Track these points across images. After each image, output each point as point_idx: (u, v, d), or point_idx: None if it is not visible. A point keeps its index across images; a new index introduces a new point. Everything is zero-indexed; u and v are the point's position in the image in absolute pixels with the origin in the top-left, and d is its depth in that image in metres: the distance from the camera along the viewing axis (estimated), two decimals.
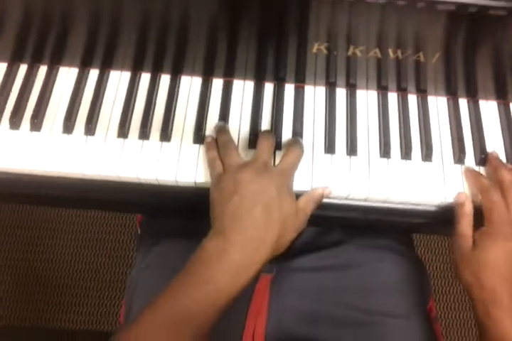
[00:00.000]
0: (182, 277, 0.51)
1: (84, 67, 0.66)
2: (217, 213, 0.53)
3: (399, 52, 0.60)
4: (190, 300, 0.49)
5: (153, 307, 0.50)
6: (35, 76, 0.66)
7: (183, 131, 0.63)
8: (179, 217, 0.75)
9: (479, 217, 0.58)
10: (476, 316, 0.56)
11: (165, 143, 0.62)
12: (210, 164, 0.59)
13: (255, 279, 0.59)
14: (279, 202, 0.53)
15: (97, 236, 1.37)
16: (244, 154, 0.61)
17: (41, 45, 0.64)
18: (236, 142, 0.62)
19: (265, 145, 0.58)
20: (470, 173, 0.62)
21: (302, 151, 0.59)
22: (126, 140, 0.62)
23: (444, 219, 0.62)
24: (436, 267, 1.39)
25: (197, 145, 0.62)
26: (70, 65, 0.66)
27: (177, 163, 0.61)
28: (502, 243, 0.55)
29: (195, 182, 0.60)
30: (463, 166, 0.63)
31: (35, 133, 0.62)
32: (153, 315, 0.49)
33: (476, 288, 0.55)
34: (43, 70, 0.66)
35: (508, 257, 0.55)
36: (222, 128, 0.62)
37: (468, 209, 0.59)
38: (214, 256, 0.51)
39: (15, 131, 0.62)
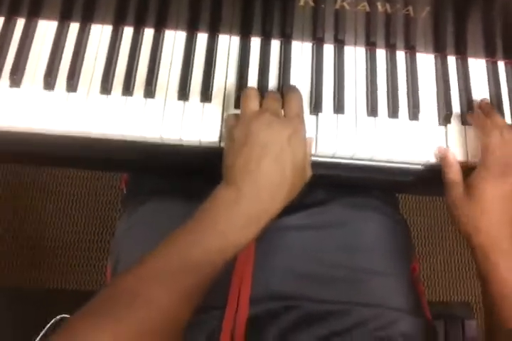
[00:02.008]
0: (190, 225, 0.50)
1: (64, 20, 0.64)
2: (229, 163, 0.53)
3: (388, 6, 0.58)
4: (198, 248, 0.49)
5: (156, 253, 0.49)
6: (13, 30, 0.63)
7: (167, 87, 0.61)
8: (165, 176, 0.74)
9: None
10: (476, 263, 0.56)
11: (149, 100, 0.61)
12: (226, 119, 0.59)
13: None
14: (291, 152, 0.52)
15: (82, 197, 1.37)
16: (230, 112, 0.60)
17: None
18: (222, 99, 0.61)
19: (271, 96, 0.57)
20: (473, 115, 0.62)
21: (300, 93, 0.58)
22: (109, 96, 0.61)
23: (429, 178, 0.62)
24: (422, 229, 1.41)
25: (181, 102, 0.61)
26: (49, 18, 0.64)
27: (162, 120, 0.60)
28: (495, 184, 0.55)
29: (180, 139, 0.59)
30: (449, 125, 0.63)
31: (15, 89, 0.60)
32: (156, 261, 0.48)
33: (474, 234, 0.55)
34: (20, 24, 0.64)
35: (502, 200, 0.55)
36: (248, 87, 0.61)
37: (451, 159, 0.59)
38: (225, 206, 0.50)
39: None
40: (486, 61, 0.68)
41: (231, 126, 0.56)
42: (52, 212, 1.36)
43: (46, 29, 0.64)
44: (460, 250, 1.41)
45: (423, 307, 0.69)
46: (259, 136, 0.52)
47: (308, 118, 0.61)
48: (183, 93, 0.61)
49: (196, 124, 0.60)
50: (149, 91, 0.60)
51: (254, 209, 0.50)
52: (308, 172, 0.56)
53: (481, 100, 0.65)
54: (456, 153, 0.61)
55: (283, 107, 0.57)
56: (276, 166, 0.51)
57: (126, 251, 0.69)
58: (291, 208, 0.70)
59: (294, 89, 0.59)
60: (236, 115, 0.57)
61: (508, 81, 0.67)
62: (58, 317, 0.90)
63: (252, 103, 0.56)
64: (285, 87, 0.61)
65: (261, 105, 0.56)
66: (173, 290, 0.47)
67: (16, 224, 1.35)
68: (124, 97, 0.61)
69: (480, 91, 0.66)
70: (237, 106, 0.61)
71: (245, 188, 0.51)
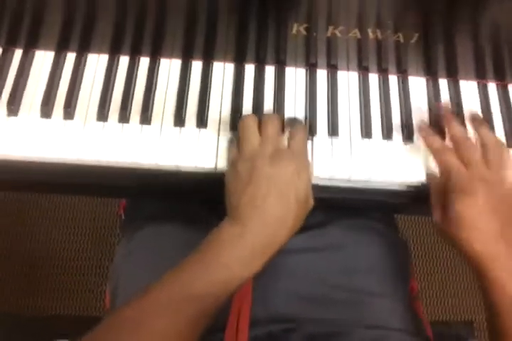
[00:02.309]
0: (194, 258, 0.51)
1: (60, 50, 0.65)
2: (234, 201, 0.53)
3: (378, 33, 0.60)
4: (202, 280, 0.49)
5: (160, 284, 0.49)
6: (11, 60, 0.64)
7: (163, 113, 0.62)
8: (163, 201, 0.74)
9: None
10: (480, 284, 0.54)
11: (145, 126, 0.61)
12: (227, 148, 0.59)
13: None
14: (296, 186, 0.53)
15: (81, 222, 1.37)
16: (226, 136, 0.61)
17: (16, 27, 0.62)
18: (217, 124, 0.62)
19: (270, 127, 0.57)
20: (423, 134, 0.62)
21: (306, 128, 0.59)
22: (105, 123, 0.61)
23: (425, 199, 0.63)
24: (421, 248, 1.41)
25: (177, 128, 0.61)
26: (46, 48, 0.65)
27: (158, 146, 0.60)
28: (471, 203, 0.53)
29: (176, 166, 0.60)
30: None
31: (12, 118, 0.61)
32: (160, 292, 0.49)
33: (469, 255, 0.54)
34: (18, 54, 0.65)
35: (483, 214, 0.53)
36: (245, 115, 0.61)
37: (433, 182, 0.59)
38: (230, 240, 0.51)
39: None
40: (477, 83, 0.69)
41: (234, 159, 0.56)
42: (51, 237, 1.35)
43: (43, 59, 0.65)
44: (460, 268, 1.41)
45: (424, 326, 0.69)
46: (263, 171, 0.52)
47: None
48: (179, 119, 0.61)
49: (192, 150, 0.60)
50: (145, 117, 0.61)
51: (258, 244, 0.51)
52: (311, 202, 0.56)
53: (438, 105, 0.64)
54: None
55: (283, 131, 0.57)
56: (281, 201, 0.52)
57: (126, 277, 0.69)
58: None
59: (300, 122, 0.60)
60: (237, 145, 0.57)
61: (499, 102, 0.68)
62: None
63: (252, 135, 0.56)
64: (290, 118, 0.61)
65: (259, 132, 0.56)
66: (176, 320, 0.47)
67: (14, 250, 1.34)
68: (121, 124, 0.61)
69: (472, 112, 0.66)
70: (232, 129, 0.61)
71: (250, 223, 0.51)
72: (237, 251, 0.50)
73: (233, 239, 0.51)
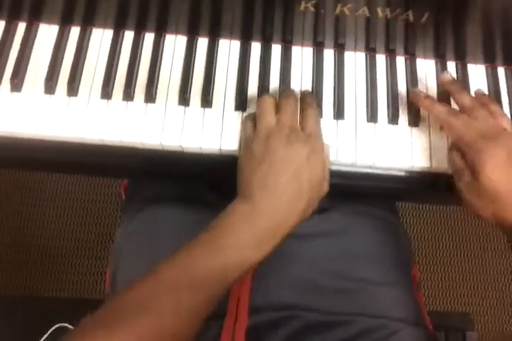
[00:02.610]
0: (203, 240, 0.50)
1: (65, 24, 0.64)
2: (246, 179, 0.52)
3: (387, 11, 0.59)
4: (212, 262, 0.49)
5: (170, 264, 0.49)
6: (14, 33, 0.63)
7: (167, 92, 0.62)
8: (165, 183, 0.74)
9: None
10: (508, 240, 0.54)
11: (150, 105, 0.61)
12: (242, 124, 0.58)
13: None
14: (309, 170, 0.52)
15: (82, 204, 1.36)
16: (231, 117, 0.60)
17: None
18: (222, 104, 0.61)
19: (289, 107, 0.56)
20: (421, 100, 0.60)
21: (317, 110, 0.58)
22: (110, 101, 0.61)
23: (429, 186, 0.62)
24: (421, 238, 1.41)
25: (182, 107, 0.61)
26: (50, 21, 0.64)
27: (162, 126, 0.60)
28: (495, 156, 0.53)
29: (181, 146, 0.59)
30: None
31: (15, 93, 0.60)
32: (170, 272, 0.48)
33: (502, 210, 0.53)
34: (21, 27, 0.64)
35: (508, 165, 0.53)
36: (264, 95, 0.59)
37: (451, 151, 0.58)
38: (241, 221, 0.50)
39: None
40: (486, 67, 0.68)
41: (248, 137, 0.55)
42: (51, 218, 1.35)
43: (47, 33, 0.64)
44: (460, 260, 1.41)
45: (424, 317, 0.69)
46: (277, 153, 0.52)
47: None
48: (184, 98, 0.61)
49: (197, 130, 0.60)
50: (150, 95, 0.61)
51: (269, 225, 0.50)
52: (326, 187, 0.55)
53: (442, 75, 0.64)
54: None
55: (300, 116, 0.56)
56: (293, 184, 0.51)
57: (126, 258, 0.69)
58: None
59: (311, 102, 0.59)
60: (253, 122, 0.57)
61: (508, 86, 0.67)
62: (57, 325, 0.90)
63: (269, 115, 0.55)
64: (302, 96, 0.60)
65: (277, 111, 0.56)
66: (184, 302, 0.47)
67: (13, 231, 1.34)
68: (125, 102, 0.61)
69: None
70: (237, 109, 0.61)
71: (261, 204, 0.51)
72: (248, 232, 0.50)
73: (244, 220, 0.50)
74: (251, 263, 0.50)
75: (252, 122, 0.57)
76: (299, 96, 0.60)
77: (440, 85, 0.64)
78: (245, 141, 0.56)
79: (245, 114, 0.61)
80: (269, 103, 0.56)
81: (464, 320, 0.97)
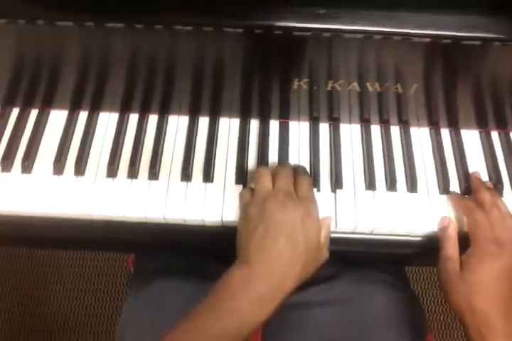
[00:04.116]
0: (205, 306, 0.51)
1: (73, 109, 0.68)
2: (243, 243, 0.54)
3: (377, 85, 0.62)
4: (214, 329, 0.49)
5: (174, 332, 0.50)
6: (27, 119, 0.68)
7: (170, 169, 0.64)
8: (170, 256, 0.74)
9: (466, 243, 0.58)
10: None
11: (153, 182, 0.63)
12: (241, 192, 0.61)
13: None
14: (304, 231, 0.53)
15: (91, 278, 1.35)
16: (231, 190, 0.62)
17: (32, 90, 0.66)
18: (223, 179, 0.63)
19: (284, 174, 0.58)
20: (454, 196, 0.63)
21: (310, 176, 0.60)
22: (115, 179, 0.63)
23: (433, 249, 0.62)
24: (434, 300, 1.36)
25: (184, 183, 0.63)
26: (60, 108, 0.68)
27: (165, 201, 0.61)
28: (489, 263, 0.55)
29: (183, 220, 0.61)
30: (447, 195, 0.64)
31: (26, 175, 0.63)
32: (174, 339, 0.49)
33: (468, 312, 0.54)
34: (34, 114, 0.68)
35: (497, 277, 0.54)
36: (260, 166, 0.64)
37: (452, 231, 0.59)
38: (239, 286, 0.51)
39: (6, 174, 0.63)
40: (480, 132, 0.70)
41: (246, 202, 0.58)
42: (60, 293, 1.34)
43: (57, 118, 0.68)
44: None
45: None
46: (273, 215, 0.53)
47: None
48: (186, 174, 0.63)
49: (199, 204, 0.61)
50: (153, 173, 0.63)
51: (267, 288, 0.51)
52: (325, 253, 0.56)
53: (471, 174, 0.65)
54: (457, 223, 0.61)
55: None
56: (289, 245, 0.52)
57: (132, 333, 0.68)
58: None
59: (304, 170, 0.61)
60: (250, 190, 0.59)
61: (503, 149, 0.69)
62: None
63: (266, 181, 0.58)
64: (295, 168, 0.63)
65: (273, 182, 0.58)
66: None
67: (24, 307, 1.33)
68: (130, 180, 0.63)
69: (476, 160, 0.67)
70: (238, 183, 0.63)
71: (258, 267, 0.51)
72: (247, 296, 0.50)
73: (242, 284, 0.51)
74: (252, 325, 0.50)
75: (250, 190, 0.59)
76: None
77: (470, 181, 0.65)
78: (243, 207, 0.58)
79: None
80: (265, 171, 0.59)
81: None
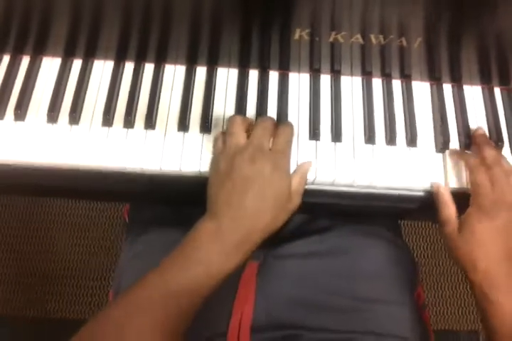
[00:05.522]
0: (173, 257, 0.52)
1: (67, 57, 0.66)
2: (212, 195, 0.54)
3: (381, 38, 0.60)
4: (182, 278, 0.50)
5: (141, 283, 0.51)
6: (18, 66, 0.66)
7: (167, 119, 0.63)
8: (166, 206, 0.75)
9: (466, 202, 0.58)
10: (475, 298, 0.56)
11: (149, 131, 0.62)
12: (213, 142, 0.60)
13: (242, 266, 0.60)
14: (272, 187, 0.53)
15: (87, 227, 1.38)
16: None
17: (23, 35, 0.63)
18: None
19: (260, 127, 0.57)
20: (454, 152, 0.63)
21: (292, 128, 0.59)
22: (110, 128, 0.62)
23: (429, 204, 0.62)
24: (427, 256, 1.40)
25: (181, 133, 0.62)
26: (53, 55, 0.66)
27: (162, 151, 0.61)
28: (487, 222, 0.55)
29: (180, 170, 0.60)
30: (447, 151, 0.63)
31: (19, 123, 0.62)
32: (141, 291, 0.50)
33: (470, 271, 0.55)
34: (25, 61, 0.66)
35: (495, 235, 0.55)
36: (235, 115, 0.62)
37: (445, 197, 0.59)
38: (206, 238, 0.52)
39: None
40: (482, 88, 0.69)
41: (217, 151, 0.57)
42: (57, 241, 1.37)
43: (50, 65, 0.66)
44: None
45: (429, 335, 0.68)
46: (241, 171, 0.53)
47: (308, 143, 0.62)
48: (183, 124, 0.62)
49: (196, 155, 0.61)
50: (150, 123, 0.62)
51: (233, 240, 0.52)
52: (296, 200, 0.56)
53: (476, 129, 0.65)
54: (455, 180, 0.61)
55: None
56: (256, 200, 0.53)
57: (128, 280, 0.69)
58: (293, 236, 0.70)
59: (286, 123, 0.60)
60: (223, 137, 0.58)
61: (504, 107, 0.68)
62: None
63: (238, 133, 0.57)
64: (281, 122, 0.62)
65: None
66: (158, 317, 0.48)
67: (21, 253, 1.36)
68: (126, 129, 0.62)
69: (477, 117, 0.67)
70: None
71: (225, 222, 0.52)
72: (213, 247, 0.51)
73: (209, 235, 0.52)
74: (219, 277, 0.51)
75: (223, 140, 0.58)
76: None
77: (472, 136, 0.65)
78: (214, 156, 0.58)
79: None
80: (239, 121, 0.58)
81: (472, 338, 0.96)
